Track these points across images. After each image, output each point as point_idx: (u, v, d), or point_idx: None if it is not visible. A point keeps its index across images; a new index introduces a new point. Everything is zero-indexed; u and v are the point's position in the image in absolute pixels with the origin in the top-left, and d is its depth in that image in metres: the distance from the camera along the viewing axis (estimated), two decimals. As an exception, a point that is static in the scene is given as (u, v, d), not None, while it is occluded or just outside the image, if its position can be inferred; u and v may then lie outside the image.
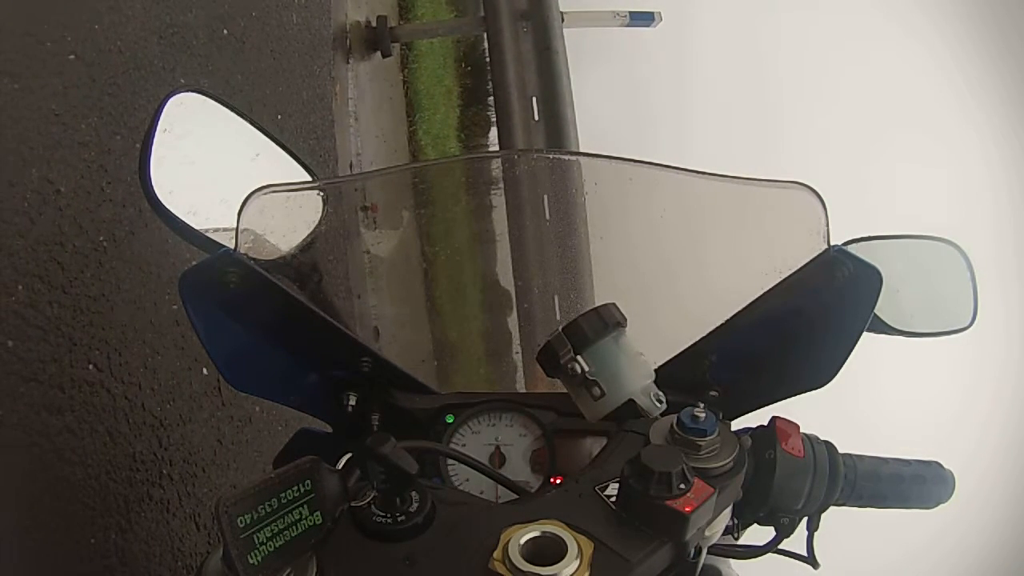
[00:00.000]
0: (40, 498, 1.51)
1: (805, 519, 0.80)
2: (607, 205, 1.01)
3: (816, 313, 0.80)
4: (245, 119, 1.00)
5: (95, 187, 1.83)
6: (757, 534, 0.82)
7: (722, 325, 0.82)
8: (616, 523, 0.60)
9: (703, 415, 0.68)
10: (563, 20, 5.29)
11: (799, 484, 0.76)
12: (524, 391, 1.01)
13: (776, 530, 0.80)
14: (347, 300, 1.05)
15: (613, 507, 0.62)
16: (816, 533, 0.81)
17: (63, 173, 1.73)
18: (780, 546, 0.81)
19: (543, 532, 0.57)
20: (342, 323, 0.85)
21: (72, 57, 1.85)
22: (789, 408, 0.84)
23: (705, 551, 0.69)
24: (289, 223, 0.85)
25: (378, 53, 5.48)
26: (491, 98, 7.80)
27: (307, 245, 0.89)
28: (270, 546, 0.54)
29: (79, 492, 1.59)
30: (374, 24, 5.39)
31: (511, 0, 5.21)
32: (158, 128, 0.90)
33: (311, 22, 3.97)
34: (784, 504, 0.77)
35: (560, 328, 0.75)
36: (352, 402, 0.89)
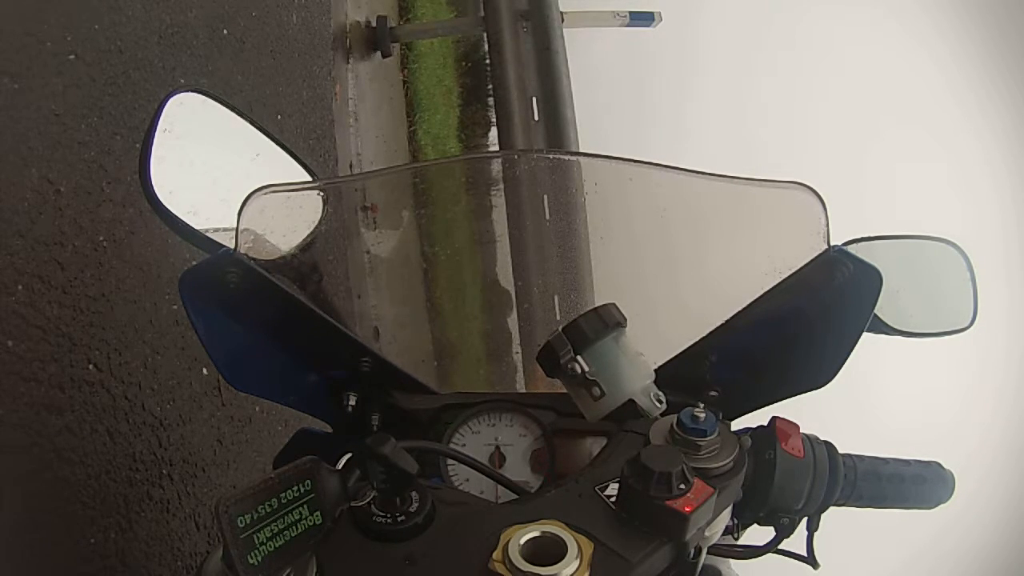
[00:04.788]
0: (40, 498, 1.51)
1: (805, 519, 0.80)
2: (607, 205, 1.01)
3: (816, 313, 0.80)
4: (245, 119, 1.00)
5: (95, 187, 1.83)
6: (757, 534, 0.82)
7: (722, 325, 0.82)
8: (616, 523, 0.60)
9: (703, 415, 0.68)
10: (563, 20, 5.28)
11: (799, 484, 0.76)
12: (524, 391, 1.01)
13: (776, 530, 0.80)
14: (347, 300, 1.05)
15: (613, 507, 0.62)
16: (816, 533, 0.81)
17: (63, 173, 1.73)
18: (780, 546, 0.81)
19: (543, 532, 0.57)
20: (342, 323, 0.85)
21: (72, 57, 1.85)
22: (789, 408, 0.84)
23: (705, 551, 0.69)
24: (289, 223, 0.85)
25: (378, 53, 5.48)
26: (491, 98, 7.78)
27: (307, 245, 0.89)
28: (270, 546, 0.54)
29: (79, 492, 1.59)
30: (374, 24, 5.39)
31: (511, 0, 5.21)
32: (158, 128, 0.90)
33: (311, 22, 3.96)
34: (784, 504, 0.77)
35: (560, 328, 0.75)
36: (352, 402, 0.89)
